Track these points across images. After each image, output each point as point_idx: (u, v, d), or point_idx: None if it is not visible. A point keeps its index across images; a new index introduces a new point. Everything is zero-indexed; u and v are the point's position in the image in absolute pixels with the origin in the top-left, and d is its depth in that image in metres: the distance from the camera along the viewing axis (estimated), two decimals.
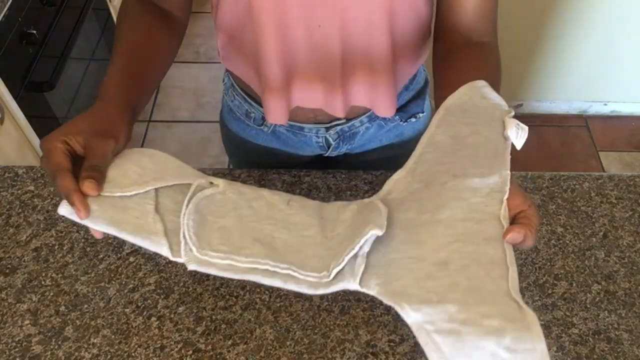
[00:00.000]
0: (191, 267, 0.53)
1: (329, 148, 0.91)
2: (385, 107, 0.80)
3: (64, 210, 0.55)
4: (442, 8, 0.74)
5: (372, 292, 0.50)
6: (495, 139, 0.58)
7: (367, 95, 0.78)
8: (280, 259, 0.53)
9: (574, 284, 0.74)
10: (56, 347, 0.69)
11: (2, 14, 1.34)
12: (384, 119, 0.88)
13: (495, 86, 0.67)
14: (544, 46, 2.05)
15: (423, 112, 0.91)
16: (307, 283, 0.52)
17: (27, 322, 0.71)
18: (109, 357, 0.68)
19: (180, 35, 0.79)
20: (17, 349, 0.69)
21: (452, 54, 0.73)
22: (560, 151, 2.15)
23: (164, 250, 0.54)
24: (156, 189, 0.57)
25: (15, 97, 1.40)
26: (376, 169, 0.87)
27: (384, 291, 0.49)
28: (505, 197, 0.53)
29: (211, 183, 0.60)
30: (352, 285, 0.50)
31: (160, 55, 0.74)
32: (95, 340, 0.70)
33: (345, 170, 0.87)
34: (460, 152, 0.57)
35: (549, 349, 0.68)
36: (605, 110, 2.28)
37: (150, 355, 0.68)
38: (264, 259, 0.53)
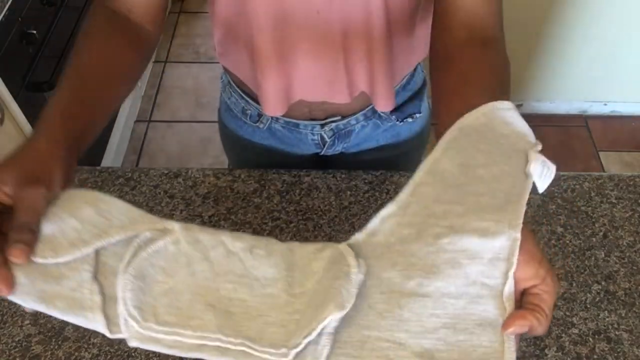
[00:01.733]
0: (133, 344, 0.46)
1: (324, 146, 0.91)
2: (384, 99, 0.79)
3: None
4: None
5: None
6: (513, 175, 0.48)
7: (369, 83, 0.78)
8: (235, 328, 0.46)
9: (574, 284, 0.74)
10: (56, 347, 0.69)
11: (2, 14, 1.34)
12: (380, 117, 0.87)
13: (505, 90, 0.60)
14: (544, 46, 2.05)
15: (420, 113, 0.91)
16: None
17: (27, 322, 0.71)
18: (109, 357, 0.68)
19: (149, 53, 0.72)
20: (17, 349, 0.69)
21: (453, 54, 0.64)
22: (560, 151, 2.15)
23: (100, 328, 0.46)
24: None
25: (15, 97, 1.40)
26: (372, 170, 0.87)
27: None
28: (512, 270, 0.43)
29: (165, 229, 0.50)
30: None
31: (121, 76, 0.66)
32: (95, 340, 0.70)
33: (345, 170, 0.87)
34: (465, 187, 0.48)
35: (549, 349, 0.68)
36: (605, 110, 2.28)
37: (151, 355, 0.68)
38: (215, 332, 0.45)
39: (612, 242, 0.79)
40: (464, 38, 0.64)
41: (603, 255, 0.77)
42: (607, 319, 0.71)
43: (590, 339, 0.69)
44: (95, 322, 0.46)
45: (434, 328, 0.42)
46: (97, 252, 0.48)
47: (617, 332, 0.70)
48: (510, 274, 0.43)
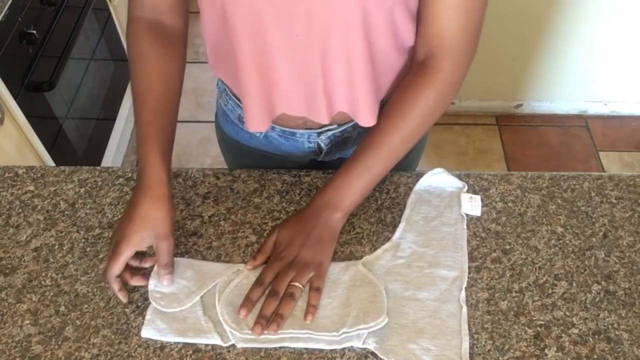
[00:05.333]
0: (240, 345, 0.69)
1: (321, 153, 0.90)
2: (365, 116, 0.79)
3: (148, 332, 0.70)
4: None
5: (370, 347, 0.68)
6: (455, 218, 0.81)
7: (349, 103, 0.78)
8: (300, 324, 0.70)
9: (574, 284, 0.74)
10: (56, 347, 0.69)
11: (2, 14, 1.34)
12: None
13: (409, 135, 0.76)
14: (544, 46, 2.05)
15: None
16: (324, 342, 0.69)
17: (27, 322, 0.71)
18: (109, 357, 0.68)
19: (185, 48, 0.80)
20: (17, 349, 0.69)
21: (404, 77, 0.78)
22: (560, 151, 2.15)
23: (216, 341, 0.69)
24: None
25: (15, 97, 1.40)
26: None
27: (379, 347, 0.68)
28: (464, 285, 0.74)
29: (237, 270, 0.75)
30: (357, 343, 0.68)
31: (179, 89, 0.78)
32: (95, 340, 0.70)
33: None
34: (430, 234, 0.79)
35: (549, 349, 0.68)
36: (605, 110, 2.28)
37: (150, 355, 0.68)
38: (288, 329, 0.69)
39: (612, 242, 0.79)
40: (415, 61, 0.76)
41: (603, 255, 0.77)
42: (607, 319, 0.71)
43: (590, 339, 0.69)
44: (213, 339, 0.69)
45: (424, 317, 0.71)
46: (200, 297, 0.73)
47: (617, 332, 0.70)
48: (463, 287, 0.74)
